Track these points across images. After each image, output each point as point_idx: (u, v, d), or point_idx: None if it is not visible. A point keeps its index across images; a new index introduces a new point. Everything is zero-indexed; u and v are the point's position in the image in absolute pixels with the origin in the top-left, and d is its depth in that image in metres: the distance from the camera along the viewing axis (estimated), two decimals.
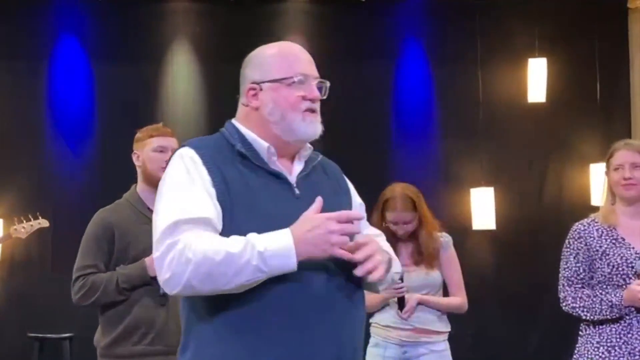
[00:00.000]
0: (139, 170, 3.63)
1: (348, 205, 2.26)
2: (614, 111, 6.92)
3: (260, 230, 2.00)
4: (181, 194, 2.05)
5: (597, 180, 6.56)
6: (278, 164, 2.18)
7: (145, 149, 3.58)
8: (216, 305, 2.04)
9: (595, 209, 5.94)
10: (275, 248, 1.96)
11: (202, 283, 1.97)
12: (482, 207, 6.57)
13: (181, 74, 6.84)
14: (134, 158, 3.64)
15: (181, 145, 2.19)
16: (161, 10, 6.84)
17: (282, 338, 2.01)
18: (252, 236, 1.98)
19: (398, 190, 4.10)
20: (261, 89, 2.19)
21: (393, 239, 4.05)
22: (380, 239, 2.29)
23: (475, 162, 6.79)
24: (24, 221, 5.34)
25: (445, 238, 4.15)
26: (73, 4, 6.67)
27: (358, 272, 2.03)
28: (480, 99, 6.79)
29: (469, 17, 6.79)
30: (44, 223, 5.39)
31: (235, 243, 1.97)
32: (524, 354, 6.76)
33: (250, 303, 2.01)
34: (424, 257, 4.07)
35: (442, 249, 4.13)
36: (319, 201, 2.05)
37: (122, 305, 3.47)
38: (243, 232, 2.01)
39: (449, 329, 4.18)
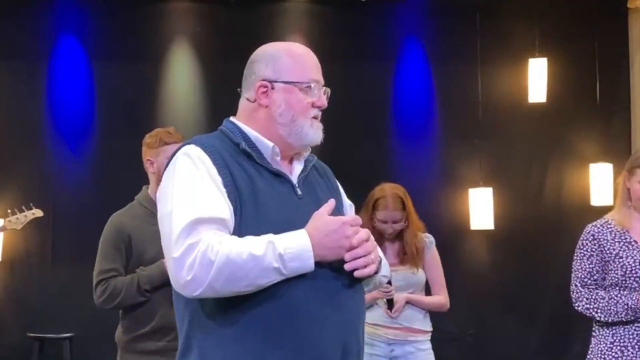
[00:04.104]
0: (152, 177, 3.62)
1: (341, 206, 2.27)
2: (614, 111, 6.92)
3: (267, 231, 2.00)
4: (196, 193, 2.02)
5: (597, 180, 6.56)
6: (281, 164, 2.17)
7: (159, 157, 3.55)
8: (219, 311, 2.02)
9: (595, 209, 5.96)
10: (294, 251, 1.96)
11: (224, 285, 1.94)
12: (481, 207, 6.58)
13: (181, 74, 6.84)
14: (147, 165, 3.64)
15: (185, 143, 2.16)
16: (161, 10, 6.84)
17: (287, 342, 2.00)
18: (271, 237, 1.97)
19: (388, 189, 4.16)
20: (273, 88, 2.16)
21: (380, 238, 4.11)
22: None
23: (474, 162, 6.79)
24: (18, 212, 5.32)
25: (429, 238, 4.24)
26: (73, 4, 6.66)
27: (348, 266, 2.04)
28: (480, 99, 6.79)
29: (469, 17, 6.80)
30: (37, 213, 5.35)
31: (257, 245, 1.95)
32: (523, 354, 6.76)
33: (254, 308, 2.00)
34: (409, 256, 4.12)
35: (426, 249, 4.20)
36: (331, 202, 2.08)
37: (147, 306, 3.54)
38: (250, 233, 2.00)
39: (432, 329, 4.24)
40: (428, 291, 4.30)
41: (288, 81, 2.16)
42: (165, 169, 2.17)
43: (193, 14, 6.85)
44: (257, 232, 2.00)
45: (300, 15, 6.94)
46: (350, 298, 2.10)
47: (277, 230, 2.00)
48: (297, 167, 2.22)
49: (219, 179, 2.05)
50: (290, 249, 1.96)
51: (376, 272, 2.15)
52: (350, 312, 2.11)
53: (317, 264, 2.00)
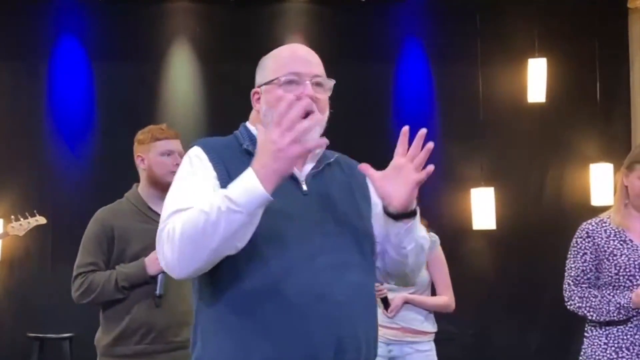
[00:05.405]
0: (143, 174, 3.56)
1: (365, 203, 2.22)
2: (614, 111, 6.93)
3: (266, 224, 1.98)
4: (182, 188, 2.05)
5: (597, 180, 6.56)
6: None
7: (150, 153, 3.50)
8: (213, 300, 2.04)
9: (596, 209, 5.95)
10: (239, 184, 1.91)
11: (193, 253, 1.93)
12: (483, 207, 6.57)
13: (181, 74, 6.84)
14: (138, 161, 3.57)
15: (190, 145, 2.18)
16: (161, 10, 6.84)
17: (275, 336, 1.99)
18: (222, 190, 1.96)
19: None
20: (261, 93, 2.18)
21: None
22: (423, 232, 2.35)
23: (476, 162, 6.79)
24: (21, 219, 5.31)
25: (431, 237, 4.16)
26: (73, 4, 6.67)
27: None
28: (480, 99, 6.79)
29: (469, 17, 6.80)
30: (41, 220, 5.34)
31: (208, 199, 1.93)
32: (524, 354, 6.76)
33: (242, 297, 2.00)
34: None
35: (429, 249, 4.13)
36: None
37: (121, 305, 3.44)
38: None
39: (435, 330, 4.20)
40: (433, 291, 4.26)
41: (268, 81, 2.16)
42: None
43: (193, 14, 6.85)
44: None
45: (300, 16, 6.94)
46: (351, 292, 2.07)
47: (275, 221, 2.00)
48: (308, 165, 2.19)
49: (213, 174, 2.06)
50: (235, 185, 1.92)
51: (414, 213, 2.26)
52: (349, 307, 2.06)
53: (317, 258, 2.00)
